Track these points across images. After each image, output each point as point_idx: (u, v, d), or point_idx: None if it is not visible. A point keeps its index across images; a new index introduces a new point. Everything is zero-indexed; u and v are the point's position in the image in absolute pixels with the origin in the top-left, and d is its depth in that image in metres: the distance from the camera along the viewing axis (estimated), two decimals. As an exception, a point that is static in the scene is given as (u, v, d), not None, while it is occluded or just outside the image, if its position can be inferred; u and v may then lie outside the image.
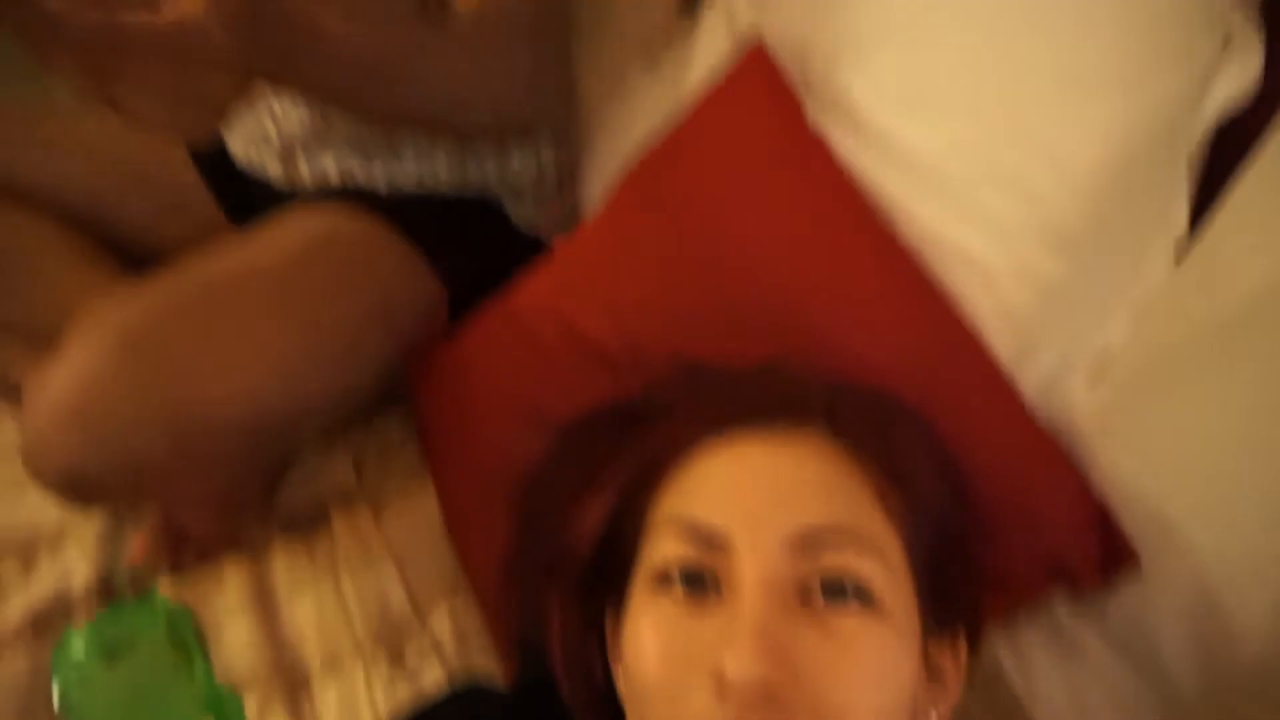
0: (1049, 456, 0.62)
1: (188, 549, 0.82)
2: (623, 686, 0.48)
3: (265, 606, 0.80)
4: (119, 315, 0.66)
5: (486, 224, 0.90)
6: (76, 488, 0.67)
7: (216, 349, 0.68)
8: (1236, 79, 0.62)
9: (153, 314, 0.67)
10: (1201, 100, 0.62)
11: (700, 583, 0.44)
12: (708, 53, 0.83)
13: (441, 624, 0.78)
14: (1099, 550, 0.60)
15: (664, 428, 0.51)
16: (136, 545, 0.83)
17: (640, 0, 0.90)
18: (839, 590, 0.43)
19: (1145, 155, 0.62)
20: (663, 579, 0.44)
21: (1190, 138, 0.63)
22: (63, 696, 0.52)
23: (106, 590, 0.82)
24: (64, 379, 0.64)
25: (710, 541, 0.44)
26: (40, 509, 0.85)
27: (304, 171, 0.88)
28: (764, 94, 0.72)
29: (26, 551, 0.86)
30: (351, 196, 0.84)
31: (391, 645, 0.77)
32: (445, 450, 0.80)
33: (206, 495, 0.80)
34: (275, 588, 0.82)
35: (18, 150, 0.90)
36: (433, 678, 0.74)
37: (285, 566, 0.83)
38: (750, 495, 0.45)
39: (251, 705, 0.72)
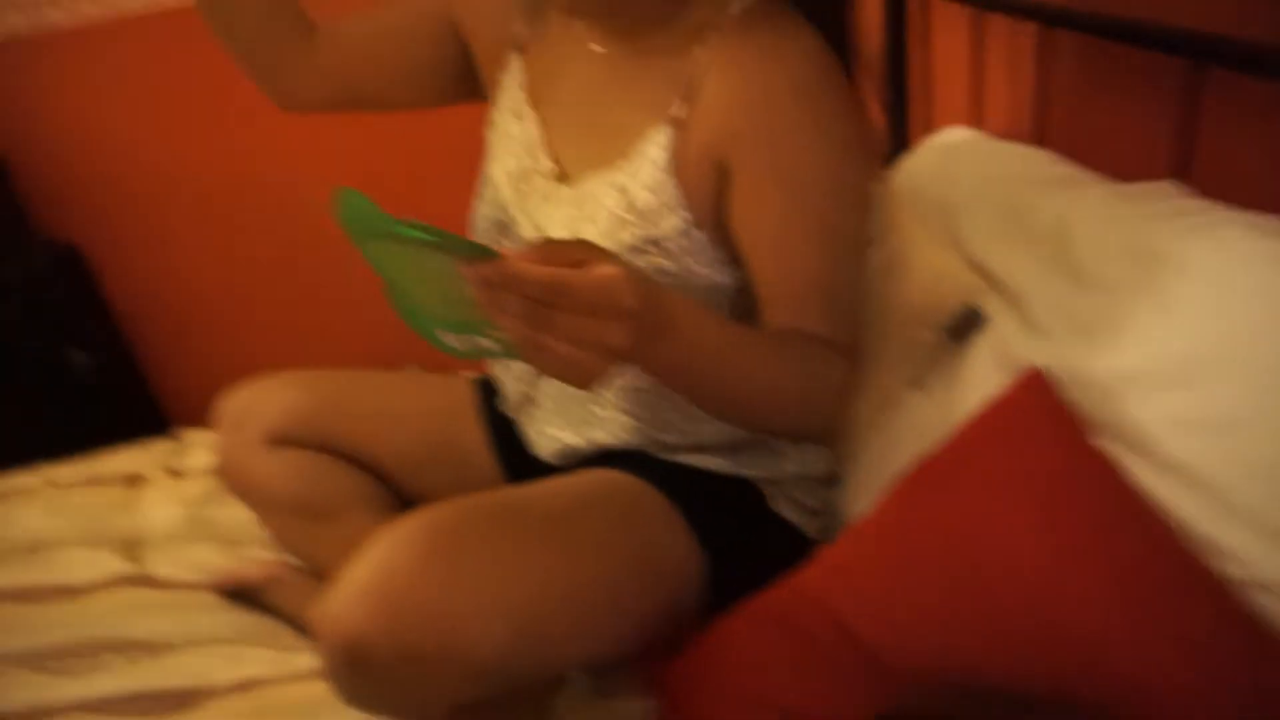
0: None
1: None
2: None
3: None
4: (430, 515, 0.75)
5: (749, 504, 0.94)
6: (356, 664, 0.70)
7: (498, 563, 0.74)
8: None
9: (456, 518, 0.75)
10: None
11: None
12: (979, 378, 0.87)
13: None
14: None
15: None
16: None
17: (910, 325, 0.96)
18: None
19: None
20: None
21: None
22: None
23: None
24: (372, 559, 0.71)
25: None
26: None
27: (595, 438, 0.96)
28: (1043, 414, 0.75)
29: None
30: (628, 458, 0.92)
31: None
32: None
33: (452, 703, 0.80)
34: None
35: (363, 421, 1.08)
36: None
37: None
38: None
39: None
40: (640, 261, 0.81)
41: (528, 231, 0.91)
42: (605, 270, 0.56)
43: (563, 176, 0.90)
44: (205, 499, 1.29)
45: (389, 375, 1.16)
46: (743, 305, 0.85)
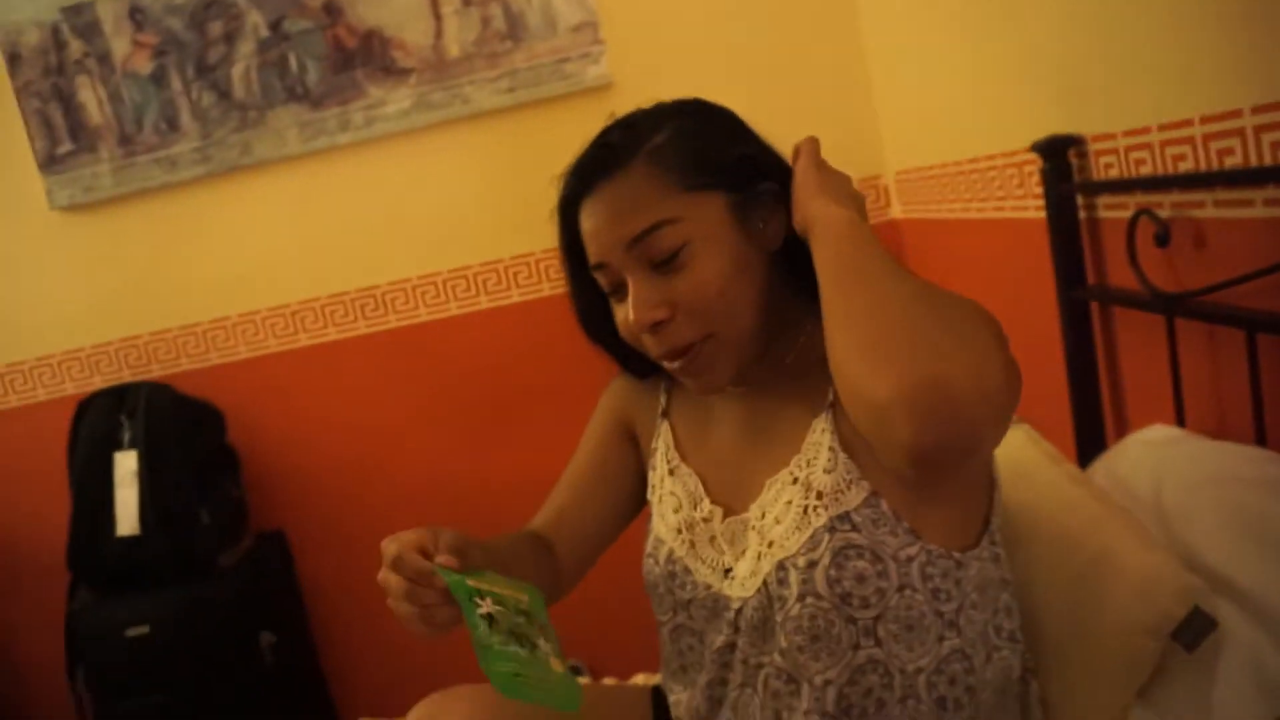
0: None
1: None
2: None
3: None
4: None
5: None
6: None
7: None
8: None
9: None
10: None
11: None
12: (1233, 701, 0.77)
13: None
14: None
15: None
16: None
17: (1129, 633, 0.87)
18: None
19: None
20: None
21: None
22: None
23: None
24: None
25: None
26: None
27: None
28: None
29: None
30: None
31: None
32: None
33: None
34: None
35: None
36: None
37: None
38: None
39: None
40: (835, 540, 0.80)
41: (703, 577, 0.92)
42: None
43: (730, 513, 0.92)
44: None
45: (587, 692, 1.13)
46: (932, 578, 0.81)
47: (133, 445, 1.98)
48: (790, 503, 0.84)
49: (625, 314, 0.87)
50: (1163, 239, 1.08)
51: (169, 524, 1.95)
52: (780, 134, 0.91)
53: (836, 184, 0.83)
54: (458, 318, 2.18)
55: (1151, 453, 1.08)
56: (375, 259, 2.17)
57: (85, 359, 2.22)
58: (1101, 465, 1.15)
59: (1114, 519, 0.97)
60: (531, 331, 2.13)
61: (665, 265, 0.84)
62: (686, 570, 0.93)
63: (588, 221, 0.88)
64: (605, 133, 0.90)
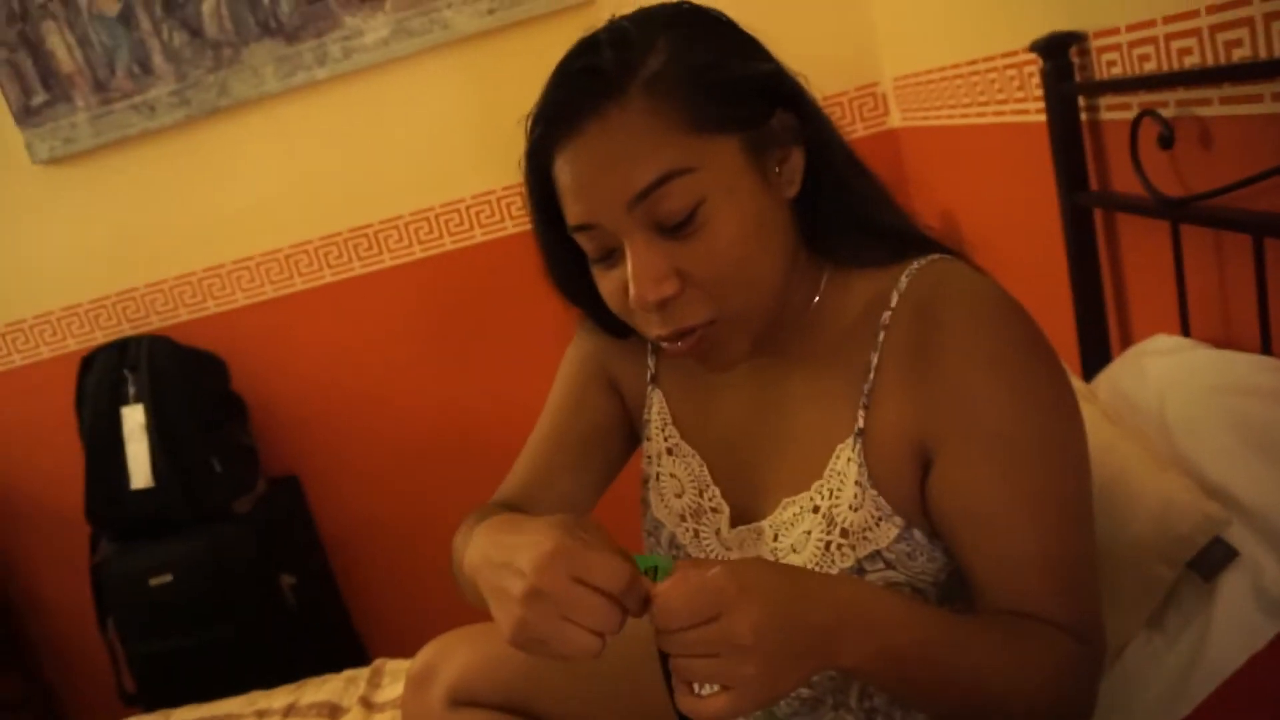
0: None
1: None
2: None
3: None
4: None
5: None
6: None
7: None
8: None
9: None
10: None
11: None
12: (1234, 621, 0.76)
13: None
14: None
15: None
16: None
17: (1144, 561, 0.86)
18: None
19: None
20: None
21: None
22: None
23: None
24: None
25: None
26: None
27: None
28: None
29: None
30: None
31: None
32: None
33: None
34: None
35: (548, 679, 1.00)
36: None
37: None
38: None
39: None
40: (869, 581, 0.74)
41: None
42: (698, 576, 0.59)
43: (740, 512, 0.83)
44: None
45: None
46: (958, 589, 0.76)
47: (138, 399, 1.98)
48: (810, 534, 0.76)
49: (617, 285, 0.72)
50: (1167, 140, 1.03)
51: (182, 474, 1.97)
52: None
53: (802, 641, 0.61)
54: (452, 252, 2.15)
55: (1155, 364, 1.05)
56: (364, 198, 2.13)
57: (84, 314, 2.21)
58: (1105, 378, 1.12)
59: (1126, 440, 0.95)
60: (533, 259, 2.09)
61: (676, 230, 0.68)
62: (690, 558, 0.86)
63: (570, 173, 0.70)
64: (586, 51, 0.70)
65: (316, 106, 2.08)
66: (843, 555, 0.74)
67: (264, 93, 2.06)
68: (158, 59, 2.06)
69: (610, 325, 0.83)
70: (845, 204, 0.76)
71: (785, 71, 0.75)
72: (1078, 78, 1.22)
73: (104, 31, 2.06)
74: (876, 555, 0.73)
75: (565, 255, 0.78)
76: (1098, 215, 1.26)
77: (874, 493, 0.73)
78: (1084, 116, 1.23)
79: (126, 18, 2.05)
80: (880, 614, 0.64)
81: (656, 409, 0.90)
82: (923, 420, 0.71)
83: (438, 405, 2.22)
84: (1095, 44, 1.18)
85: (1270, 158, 0.89)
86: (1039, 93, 1.28)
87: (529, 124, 0.73)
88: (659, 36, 0.69)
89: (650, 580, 0.61)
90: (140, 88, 2.07)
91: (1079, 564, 0.70)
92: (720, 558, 0.84)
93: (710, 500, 0.85)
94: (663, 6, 0.74)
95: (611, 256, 0.72)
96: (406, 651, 1.39)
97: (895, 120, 2.04)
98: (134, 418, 1.99)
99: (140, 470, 1.97)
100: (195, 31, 2.05)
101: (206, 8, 2.04)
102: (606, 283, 0.74)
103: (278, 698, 1.49)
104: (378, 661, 1.54)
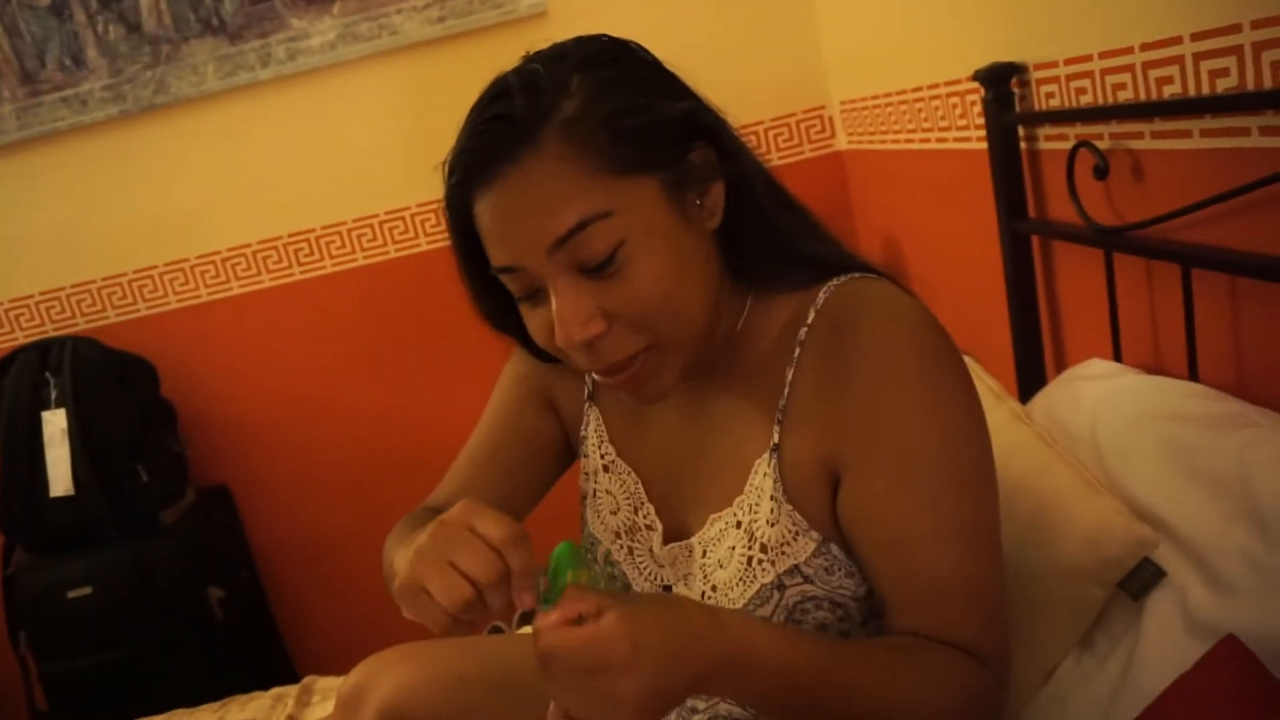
0: None
1: None
2: None
3: None
4: None
5: None
6: None
7: None
8: None
9: None
10: None
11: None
12: (1161, 641, 0.78)
13: None
14: None
15: None
16: None
17: (1075, 580, 0.88)
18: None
19: None
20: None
21: None
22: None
23: None
24: None
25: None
26: None
27: None
28: (1243, 686, 0.65)
29: None
30: None
31: None
32: None
33: None
34: None
35: (482, 698, 0.96)
36: None
37: None
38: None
39: None
40: (788, 596, 0.75)
41: (641, 588, 0.85)
42: (593, 627, 0.58)
43: (673, 529, 0.84)
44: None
45: (516, 641, 1.11)
46: (871, 610, 0.77)
47: (60, 404, 1.91)
48: (734, 549, 0.77)
49: (543, 323, 0.72)
50: (1102, 171, 1.07)
51: (105, 482, 1.90)
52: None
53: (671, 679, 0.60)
54: (395, 260, 2.11)
55: (1088, 389, 1.07)
56: (306, 202, 2.09)
57: (3, 314, 2.12)
58: (1040, 402, 1.15)
59: (1060, 463, 0.97)
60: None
61: (598, 270, 0.68)
62: (624, 575, 0.87)
63: (491, 218, 0.69)
64: (499, 97, 0.69)
65: (258, 108, 2.03)
66: (763, 570, 0.75)
67: (204, 92, 2.01)
68: (91, 52, 2.00)
69: (541, 354, 0.81)
70: (767, 233, 0.77)
71: (704, 106, 0.75)
72: (1018, 108, 1.26)
73: (34, 21, 1.99)
74: (795, 570, 0.74)
75: (491, 290, 0.78)
76: (1035, 242, 1.30)
77: (789, 508, 0.74)
78: (1023, 145, 1.27)
79: (59, 9, 1.98)
80: (762, 653, 0.63)
81: (594, 426, 0.90)
82: (832, 437, 0.73)
83: (375, 415, 2.18)
84: (1035, 75, 1.21)
85: (1198, 191, 0.93)
86: (980, 121, 1.31)
87: (445, 169, 0.73)
88: (572, 77, 0.69)
89: (546, 581, 0.63)
90: (72, 80, 2.00)
91: (984, 587, 0.71)
92: (654, 575, 0.84)
93: (645, 518, 0.85)
94: (577, 43, 0.73)
95: (536, 296, 0.72)
96: (337, 669, 1.36)
97: (841, 143, 2.07)
98: (55, 423, 1.91)
99: (60, 477, 1.89)
100: (133, 26, 1.99)
101: (145, 2, 1.99)
102: (534, 320, 0.74)
103: (201, 716, 1.43)
104: (307, 679, 1.50)
